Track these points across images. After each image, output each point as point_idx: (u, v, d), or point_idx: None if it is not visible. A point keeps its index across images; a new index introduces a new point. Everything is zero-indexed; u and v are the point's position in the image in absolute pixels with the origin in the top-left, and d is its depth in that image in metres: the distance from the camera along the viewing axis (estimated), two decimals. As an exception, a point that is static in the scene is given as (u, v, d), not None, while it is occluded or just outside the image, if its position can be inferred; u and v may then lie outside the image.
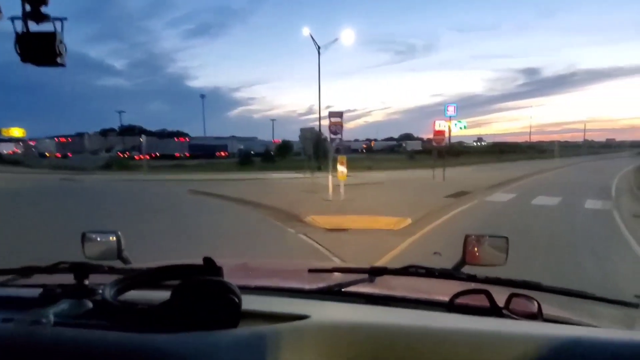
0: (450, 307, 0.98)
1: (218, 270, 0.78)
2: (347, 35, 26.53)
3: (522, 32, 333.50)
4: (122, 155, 48.50)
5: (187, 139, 69.39)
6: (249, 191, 15.24)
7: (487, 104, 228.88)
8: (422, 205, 11.44)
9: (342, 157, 12.32)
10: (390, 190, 15.98)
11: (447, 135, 22.95)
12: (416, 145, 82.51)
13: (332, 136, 12.53)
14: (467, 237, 1.44)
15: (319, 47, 28.94)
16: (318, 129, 29.48)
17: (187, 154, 58.16)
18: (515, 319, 0.92)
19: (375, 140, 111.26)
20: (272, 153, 46.35)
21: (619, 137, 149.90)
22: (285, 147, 46.38)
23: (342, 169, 12.25)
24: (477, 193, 14.66)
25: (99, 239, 1.50)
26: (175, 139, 68.55)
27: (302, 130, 14.18)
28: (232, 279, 0.76)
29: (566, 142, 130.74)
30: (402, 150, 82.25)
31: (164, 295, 0.73)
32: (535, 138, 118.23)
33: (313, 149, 20.26)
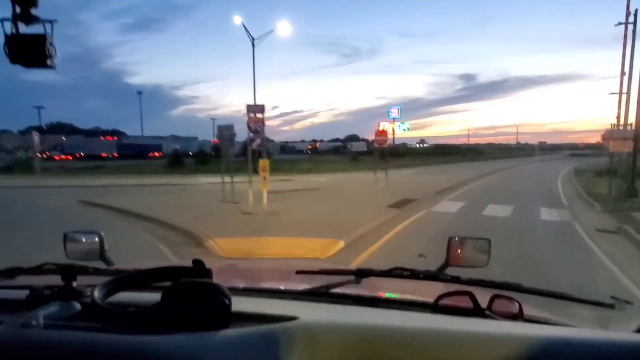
0: (434, 308, 0.99)
1: (207, 272, 0.79)
2: (283, 27, 24.85)
3: (459, 39, 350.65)
4: (40, 156, 42.95)
5: (115, 137, 63.72)
6: (156, 201, 12.51)
7: (429, 107, 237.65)
8: (360, 219, 9.42)
9: (264, 162, 10.06)
10: (326, 198, 13.91)
11: (390, 136, 21.72)
12: (361, 147, 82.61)
13: (252, 135, 10.18)
14: (450, 239, 1.46)
15: (252, 39, 26.52)
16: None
17: (115, 154, 53.08)
18: (497, 319, 0.93)
19: (322, 141, 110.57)
20: (205, 154, 42.95)
21: (544, 140, 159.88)
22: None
23: (263, 175, 9.98)
24: (422, 201, 12.97)
25: (81, 239, 1.49)
26: (102, 137, 62.72)
27: (219, 128, 11.67)
28: (221, 280, 0.78)
29: (500, 144, 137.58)
30: (347, 151, 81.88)
31: (153, 297, 0.73)
32: (472, 141, 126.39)
33: (242, 149, 17.86)
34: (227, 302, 0.69)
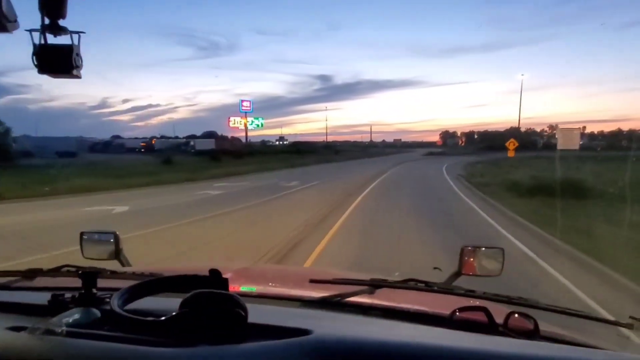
0: (449, 323, 0.98)
1: (224, 282, 0.79)
2: None
3: (315, 40, 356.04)
4: None
5: None
6: None
7: (289, 105, 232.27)
8: None
9: None
10: None
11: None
12: (207, 144, 69.17)
13: None
14: (463, 248, 1.44)
15: None
16: None
17: None
18: (514, 337, 0.91)
19: (177, 137, 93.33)
20: None
21: (399, 138, 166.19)
22: None
23: None
24: None
25: (97, 239, 1.53)
26: None
27: None
28: (234, 286, 0.79)
29: (356, 142, 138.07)
30: (190, 149, 68.05)
31: (171, 303, 0.74)
32: (331, 138, 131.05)
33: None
34: (244, 314, 0.70)
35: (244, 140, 64.61)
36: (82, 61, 1.06)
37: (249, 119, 68.72)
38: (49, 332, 0.66)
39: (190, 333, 0.67)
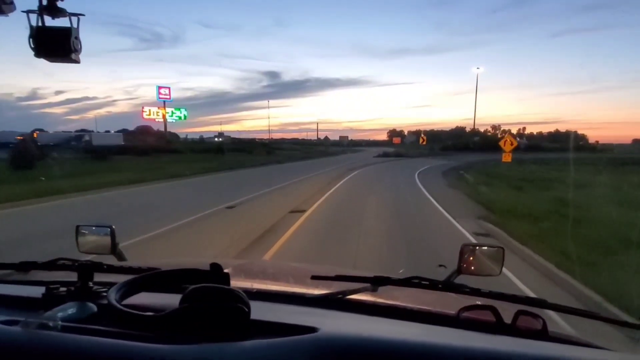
0: (456, 322, 0.96)
1: (226, 277, 0.77)
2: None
3: (263, 36, 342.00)
4: None
5: None
6: None
7: (237, 101, 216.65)
8: None
9: None
10: None
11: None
12: (111, 139, 54.42)
13: None
14: (463, 246, 1.41)
15: None
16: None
17: None
18: (523, 337, 0.89)
19: (107, 131, 76.43)
20: None
21: (345, 135, 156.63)
22: None
23: None
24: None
25: (93, 233, 1.50)
26: None
27: None
28: (234, 281, 0.79)
29: (304, 139, 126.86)
30: (81, 145, 51.69)
31: (169, 299, 0.72)
32: (278, 135, 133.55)
33: None
34: (246, 309, 0.68)
35: (182, 135, 50.55)
36: (81, 45, 1.03)
37: (169, 110, 53.35)
38: (43, 326, 0.64)
39: (190, 329, 0.65)
